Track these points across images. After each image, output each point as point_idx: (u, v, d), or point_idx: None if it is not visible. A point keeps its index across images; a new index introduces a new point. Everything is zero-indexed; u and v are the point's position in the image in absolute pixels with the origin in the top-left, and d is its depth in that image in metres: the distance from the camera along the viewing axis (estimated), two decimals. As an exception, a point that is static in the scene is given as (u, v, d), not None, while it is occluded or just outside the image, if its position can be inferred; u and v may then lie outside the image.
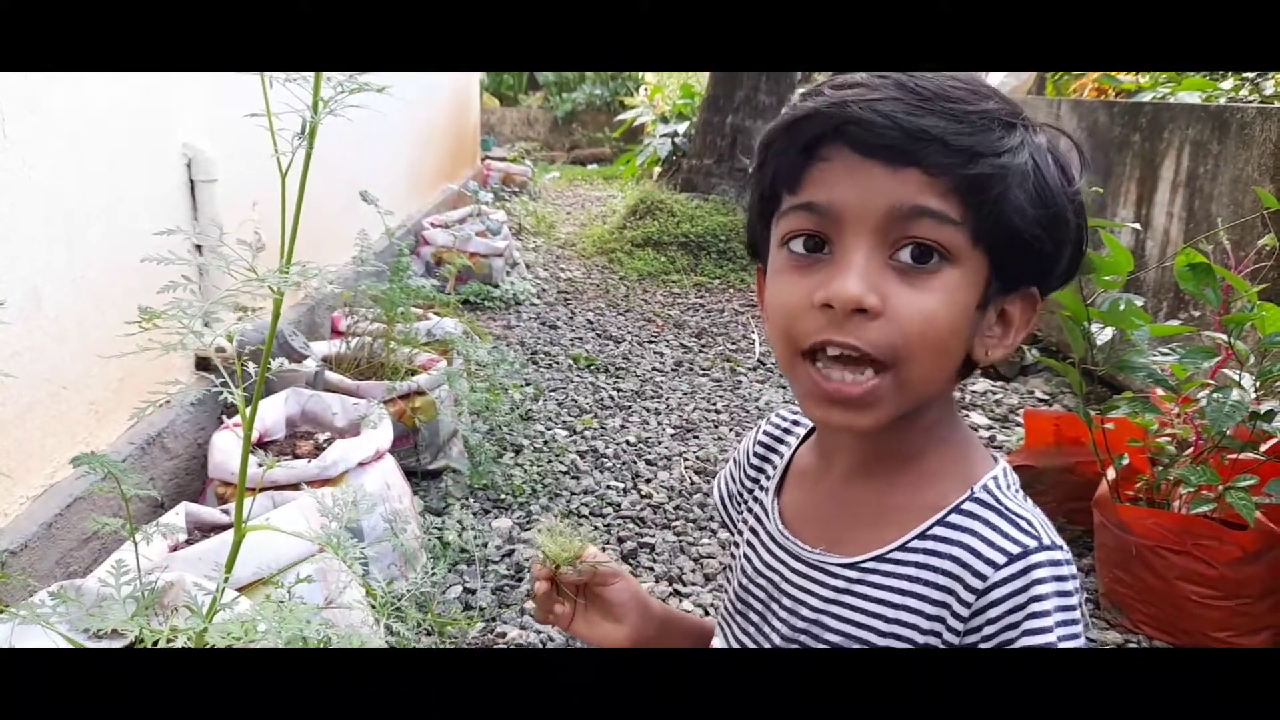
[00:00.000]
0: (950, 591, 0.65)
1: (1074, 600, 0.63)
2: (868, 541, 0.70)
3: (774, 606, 0.75)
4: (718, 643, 0.84)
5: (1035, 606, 0.62)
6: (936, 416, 0.71)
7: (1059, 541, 0.65)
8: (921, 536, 0.68)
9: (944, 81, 0.63)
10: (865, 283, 0.62)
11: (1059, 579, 0.63)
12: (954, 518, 0.67)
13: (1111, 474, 2.14)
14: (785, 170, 0.66)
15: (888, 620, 0.67)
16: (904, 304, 0.63)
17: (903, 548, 0.68)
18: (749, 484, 0.86)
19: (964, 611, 0.64)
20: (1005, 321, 0.69)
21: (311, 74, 0.85)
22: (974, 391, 3.57)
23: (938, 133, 0.61)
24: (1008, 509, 0.67)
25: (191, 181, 2.30)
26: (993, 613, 0.63)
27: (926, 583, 0.66)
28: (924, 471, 0.71)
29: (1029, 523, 0.65)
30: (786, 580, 0.75)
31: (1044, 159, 0.65)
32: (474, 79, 7.86)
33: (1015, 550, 0.64)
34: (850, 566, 0.70)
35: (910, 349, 0.63)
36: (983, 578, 0.64)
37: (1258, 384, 1.95)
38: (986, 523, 0.66)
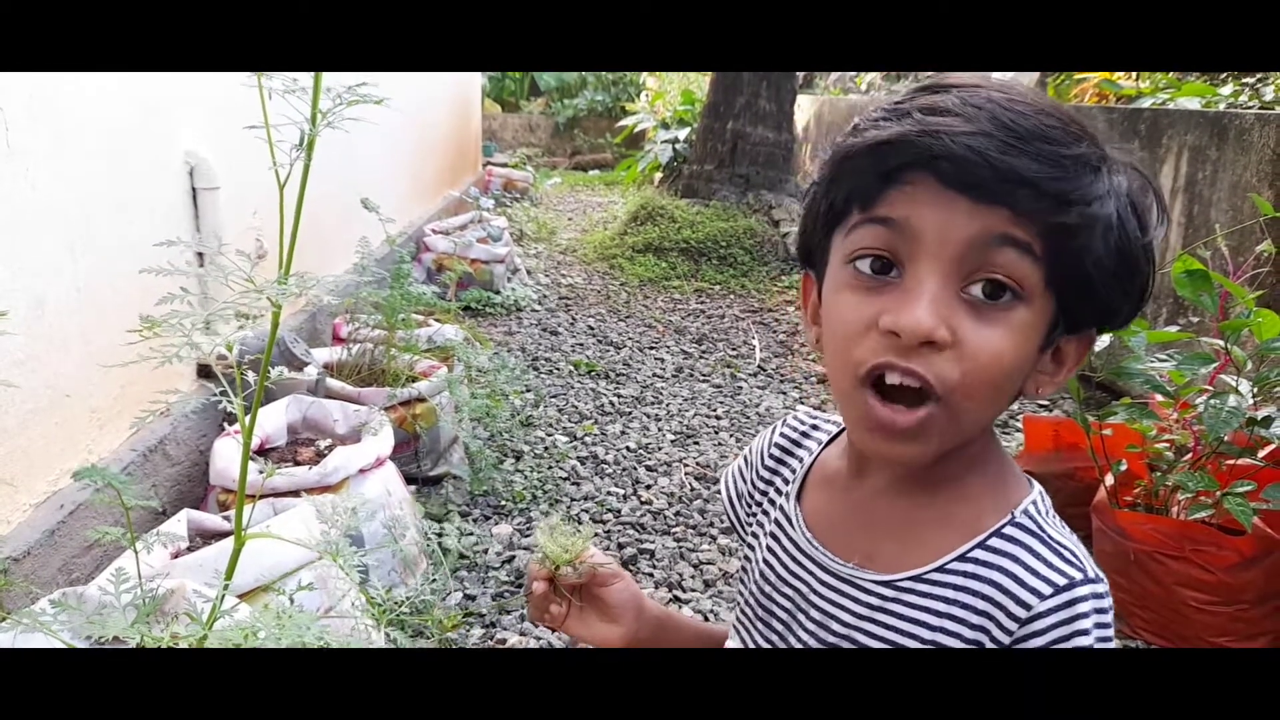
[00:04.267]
0: (990, 617, 0.65)
1: (1112, 631, 0.63)
2: (902, 558, 0.70)
3: (800, 617, 0.75)
4: (733, 645, 0.83)
5: (1080, 640, 0.62)
6: (980, 445, 0.70)
7: (1100, 573, 0.65)
8: (961, 559, 0.67)
9: (1038, 118, 0.60)
10: (937, 314, 0.60)
11: (1100, 611, 0.63)
12: (995, 542, 0.66)
13: (1110, 480, 2.14)
14: (862, 190, 0.64)
15: (923, 641, 0.67)
16: (974, 339, 0.61)
17: (941, 569, 0.67)
18: (762, 485, 0.84)
19: (1004, 639, 0.64)
20: (1059, 360, 0.68)
21: (310, 86, 0.86)
22: (974, 397, 3.57)
23: (1030, 175, 0.59)
24: (1050, 537, 0.66)
25: (194, 189, 2.32)
26: (1035, 642, 0.63)
27: (965, 606, 0.66)
28: (959, 491, 0.70)
29: (1072, 552, 0.65)
30: (815, 592, 0.74)
31: (1126, 208, 0.63)
32: (475, 85, 7.89)
33: (1061, 582, 0.63)
34: (886, 584, 0.69)
35: (971, 385, 0.62)
36: (1027, 606, 0.63)
37: (1255, 390, 1.95)
38: (1030, 550, 0.65)
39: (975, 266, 0.61)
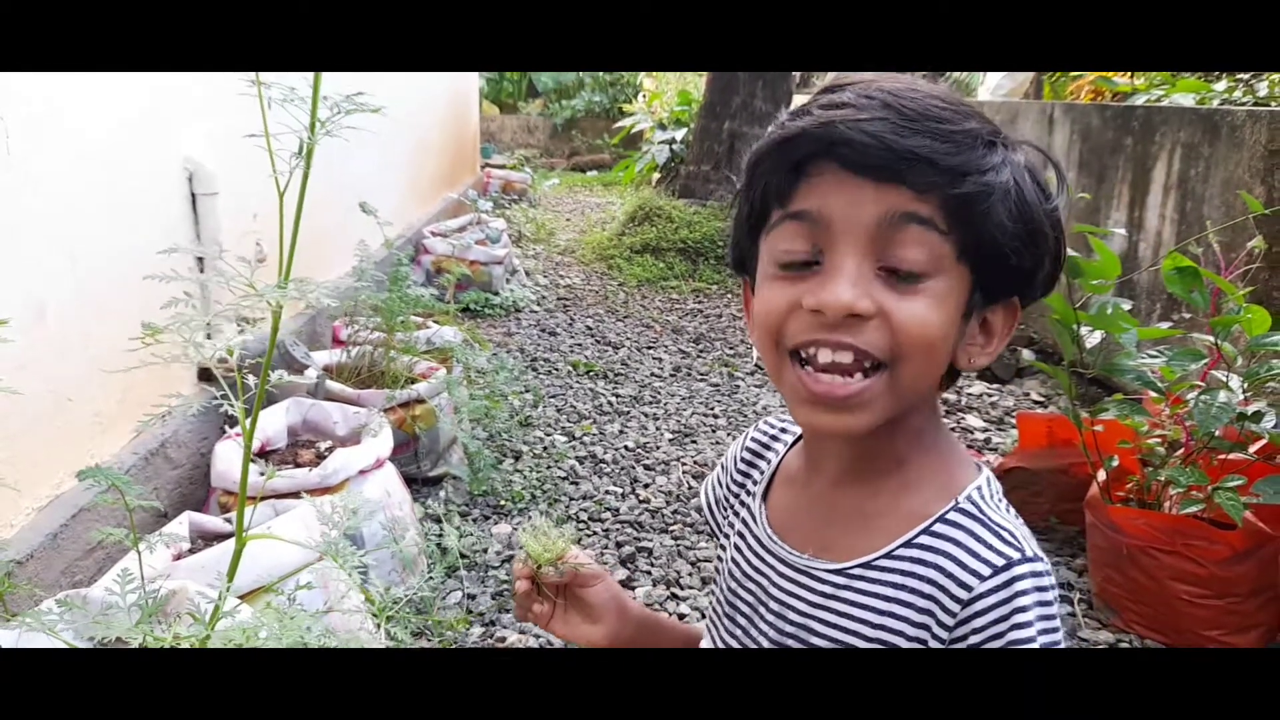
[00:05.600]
0: (934, 600, 0.67)
1: (1054, 610, 0.65)
2: (854, 547, 0.72)
3: (761, 610, 0.77)
4: (705, 645, 0.85)
5: (1019, 618, 0.64)
6: (921, 423, 0.73)
7: (1039, 553, 0.67)
8: (907, 545, 0.69)
9: (928, 101, 0.64)
10: (857, 288, 0.64)
11: (1040, 589, 0.65)
12: (939, 527, 0.69)
13: (1102, 475, 2.16)
14: (775, 186, 0.68)
15: (873, 626, 0.69)
16: (897, 309, 0.65)
17: (889, 555, 0.70)
18: (735, 489, 0.87)
19: (949, 620, 0.66)
20: (988, 330, 0.71)
21: (308, 94, 0.88)
22: (970, 394, 3.59)
23: (925, 152, 0.63)
24: (991, 520, 0.68)
25: (193, 194, 2.33)
26: (977, 623, 0.65)
27: (912, 590, 0.68)
28: (908, 478, 0.72)
29: (1011, 534, 0.67)
30: (774, 584, 0.76)
31: (1023, 177, 0.67)
32: (473, 86, 7.90)
33: (999, 562, 0.65)
34: (837, 572, 0.72)
35: (905, 350, 0.65)
36: (968, 588, 0.65)
37: (1245, 385, 1.97)
38: (971, 533, 0.68)
39: (887, 244, 0.65)
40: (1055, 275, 0.71)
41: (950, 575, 0.67)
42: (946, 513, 0.70)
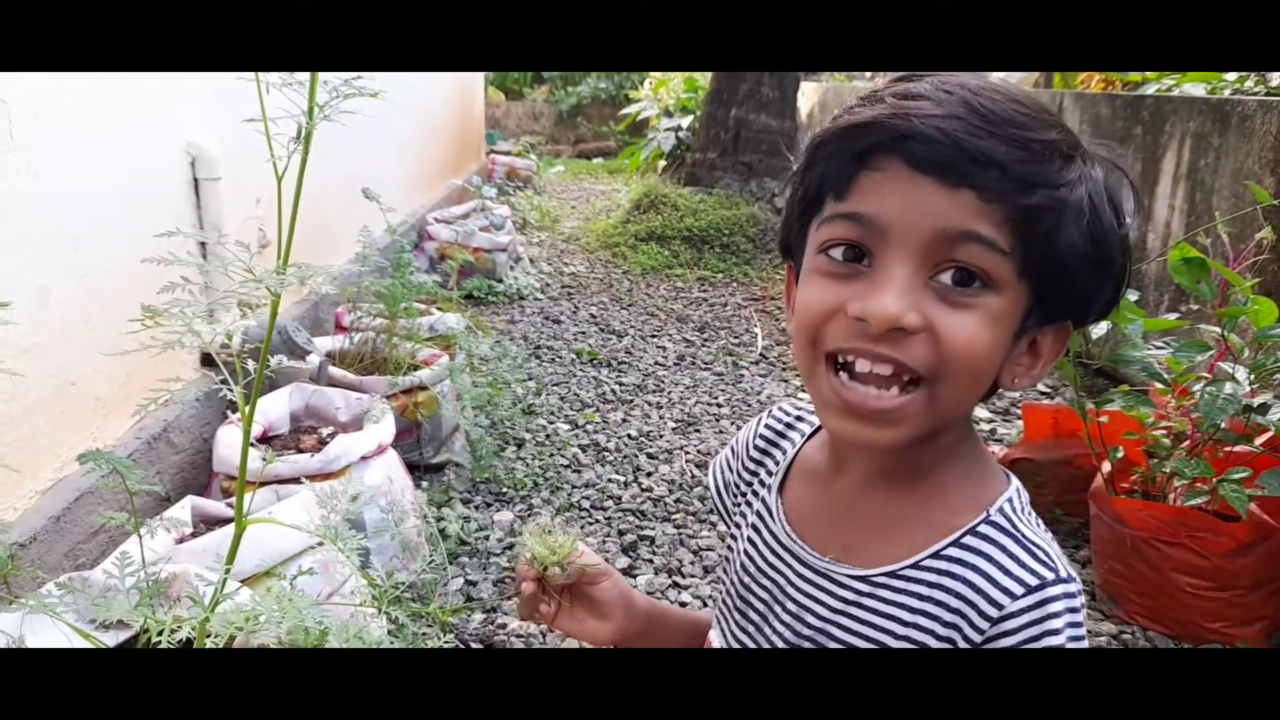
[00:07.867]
0: (962, 614, 0.65)
1: (1084, 631, 0.64)
2: (878, 554, 0.70)
3: (776, 609, 0.75)
4: (714, 636, 0.84)
5: (1050, 640, 0.62)
6: (956, 436, 0.70)
7: (1072, 573, 0.65)
8: (936, 555, 0.67)
9: (1009, 105, 0.61)
10: (905, 300, 0.61)
11: (1072, 611, 0.63)
12: (969, 539, 0.67)
13: (1107, 467, 2.15)
14: (834, 175, 0.64)
15: (897, 636, 0.67)
16: (946, 324, 0.62)
17: (916, 565, 0.68)
18: (748, 476, 0.85)
19: (976, 637, 0.64)
20: (1035, 351, 0.68)
21: (307, 78, 0.88)
22: (975, 384, 3.58)
23: (998, 157, 0.59)
24: (1024, 536, 0.66)
25: (195, 179, 2.33)
26: (1006, 641, 0.63)
27: (938, 603, 0.66)
28: (937, 487, 0.70)
29: (1045, 552, 0.65)
30: (792, 584, 0.75)
31: (1100, 196, 0.63)
32: (479, 73, 7.88)
33: (1033, 582, 0.63)
34: (862, 579, 0.70)
35: (950, 369, 0.62)
36: (999, 606, 0.64)
37: (1252, 377, 1.96)
38: (1003, 549, 0.66)
39: (943, 256, 0.62)
40: (1115, 302, 0.68)
41: (980, 591, 0.65)
42: (977, 525, 0.67)
